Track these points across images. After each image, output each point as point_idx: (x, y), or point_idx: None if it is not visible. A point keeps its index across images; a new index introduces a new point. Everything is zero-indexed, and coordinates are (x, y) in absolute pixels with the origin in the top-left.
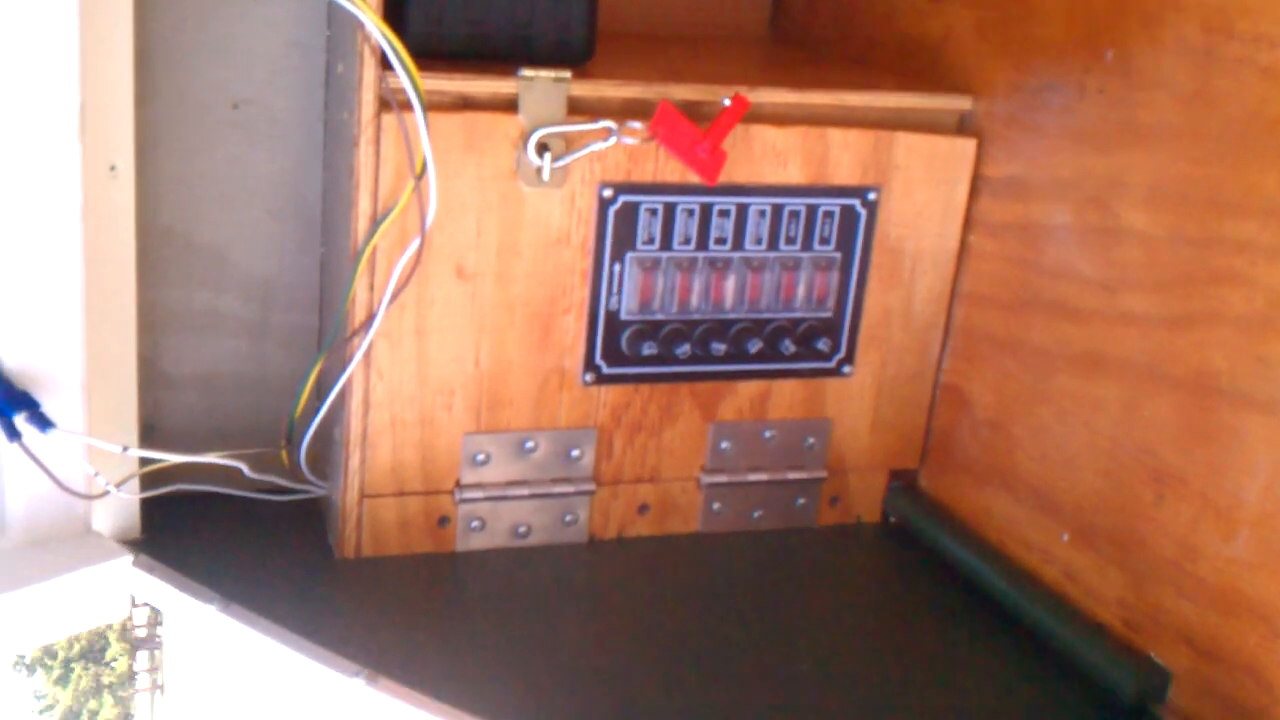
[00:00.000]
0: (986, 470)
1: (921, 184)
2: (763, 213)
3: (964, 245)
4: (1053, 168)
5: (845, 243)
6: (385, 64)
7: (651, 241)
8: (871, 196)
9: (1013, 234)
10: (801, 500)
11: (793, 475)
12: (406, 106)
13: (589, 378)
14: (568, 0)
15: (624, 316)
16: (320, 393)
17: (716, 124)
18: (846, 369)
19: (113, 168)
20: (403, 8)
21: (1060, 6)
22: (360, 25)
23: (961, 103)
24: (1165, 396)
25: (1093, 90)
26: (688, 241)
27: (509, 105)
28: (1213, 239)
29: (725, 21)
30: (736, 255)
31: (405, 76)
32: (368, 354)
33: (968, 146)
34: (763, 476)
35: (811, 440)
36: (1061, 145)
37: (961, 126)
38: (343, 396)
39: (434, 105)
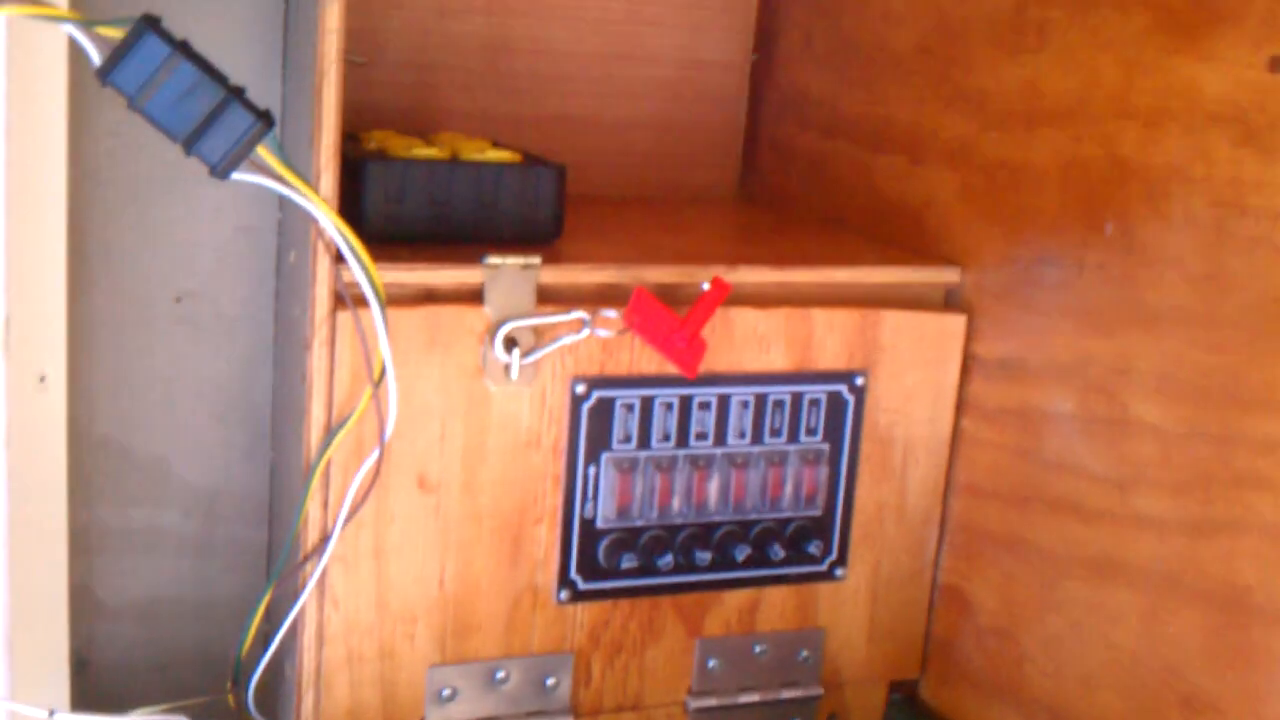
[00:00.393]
0: (993, 683)
1: (911, 365)
2: (745, 403)
3: (957, 432)
4: (1052, 349)
5: (833, 432)
6: (341, 256)
7: (628, 440)
8: (859, 381)
9: (1011, 421)
10: None
11: (787, 694)
12: (363, 302)
13: (564, 595)
14: (536, 176)
15: (600, 524)
16: (271, 621)
17: (695, 311)
18: (839, 572)
19: (42, 378)
20: (360, 186)
21: (1053, 172)
22: (309, 216)
23: (949, 275)
24: (1190, 610)
25: (1092, 266)
26: (667, 438)
27: (474, 296)
28: (1234, 437)
29: (693, 182)
30: (719, 451)
31: (361, 273)
32: (322, 580)
33: (957, 323)
34: (754, 697)
35: (805, 653)
36: (1060, 325)
37: (949, 301)
38: (294, 629)
39: (394, 300)
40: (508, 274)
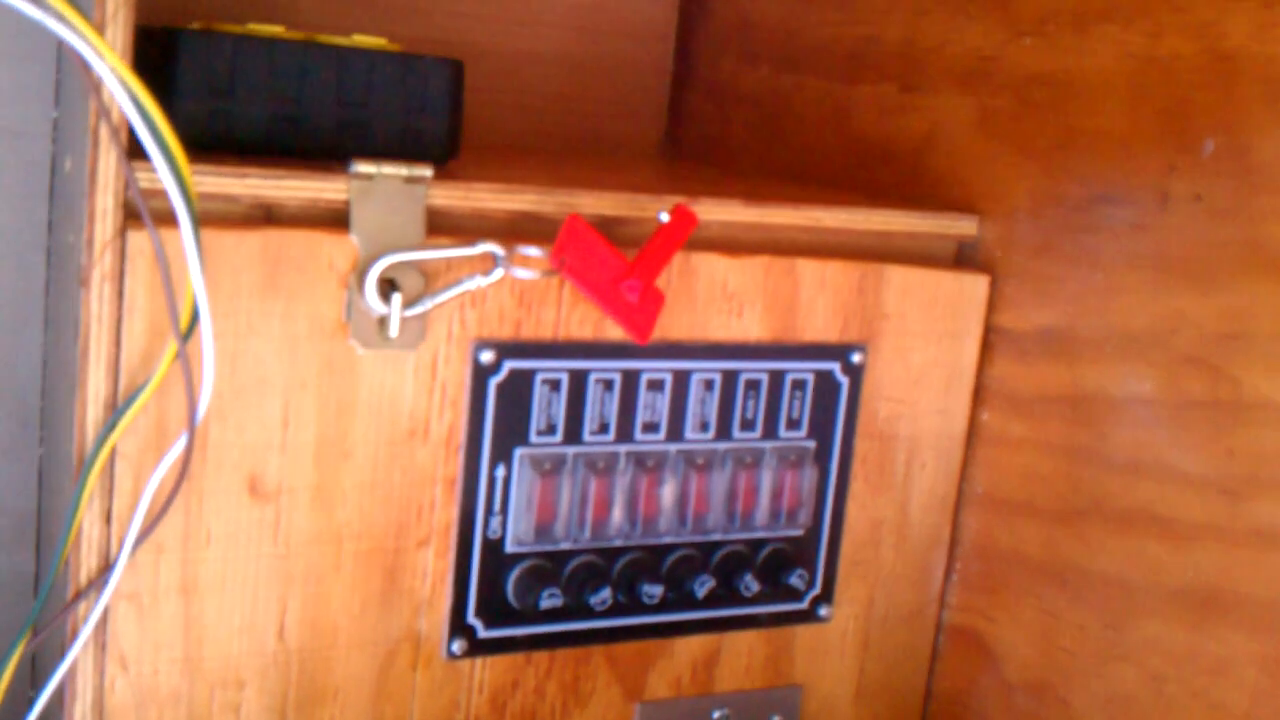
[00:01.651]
0: None
1: (919, 339)
2: (710, 383)
3: (974, 427)
4: (1117, 314)
5: (822, 425)
6: (135, 151)
7: (552, 430)
8: (856, 358)
9: (1055, 411)
10: None
11: None
12: (168, 219)
13: (458, 647)
14: (424, 70)
15: (511, 547)
16: (31, 685)
17: (650, 250)
18: (823, 610)
19: None
20: (171, 70)
21: (1118, 82)
22: (93, 80)
23: (964, 225)
24: None
25: (1182, 198)
26: (604, 429)
27: (335, 220)
28: None
29: (609, 132)
30: (674, 448)
31: (165, 165)
32: (102, 627)
33: (977, 286)
34: None
35: (776, 719)
36: (1131, 281)
37: (960, 259)
38: (61, 697)
39: (216, 219)
40: (385, 188)
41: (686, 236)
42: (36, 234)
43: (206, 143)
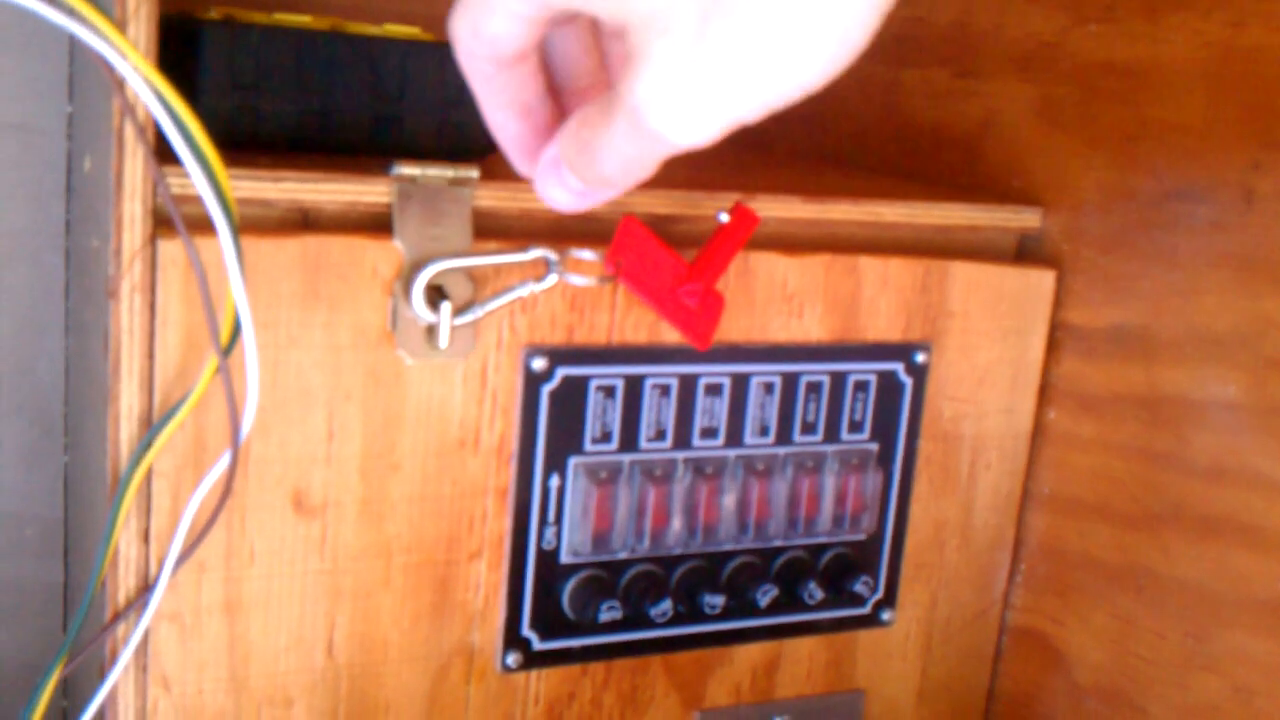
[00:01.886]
0: None
1: (984, 337)
2: (769, 387)
3: (1040, 427)
4: (1198, 314)
5: (885, 427)
6: (163, 154)
7: (607, 438)
8: (920, 358)
9: (1130, 412)
10: None
11: None
12: (202, 226)
13: (513, 660)
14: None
15: (566, 558)
16: (66, 713)
17: (710, 251)
18: (886, 615)
19: None
20: (195, 65)
21: (1194, 73)
22: (116, 80)
23: (1027, 218)
24: None
25: (1269, 196)
26: (661, 436)
27: (376, 223)
28: None
29: None
30: (733, 454)
31: (200, 169)
32: (144, 649)
33: (1042, 281)
34: None
35: None
36: (1212, 280)
37: (1021, 253)
38: None
39: (249, 224)
40: (429, 190)
41: (748, 237)
42: (54, 234)
43: (232, 140)
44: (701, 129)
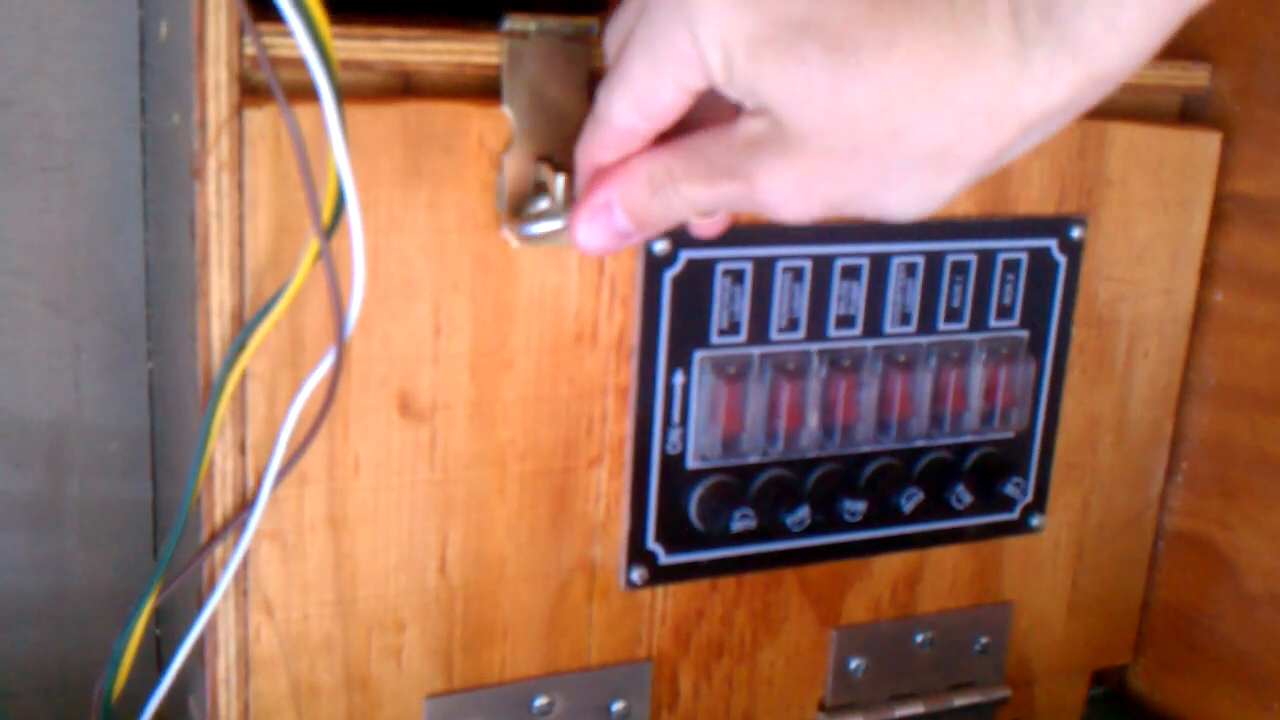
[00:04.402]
0: (1271, 677)
1: (1144, 209)
2: (911, 268)
3: (1202, 310)
4: None
5: (1036, 313)
6: (257, 10)
7: (735, 329)
8: (1075, 234)
9: None
10: None
11: (959, 701)
12: (300, 93)
13: (637, 576)
14: None
15: (692, 464)
16: (164, 631)
17: None
18: (1035, 520)
19: None
20: None
21: None
22: None
23: (1194, 75)
24: None
25: None
26: (794, 325)
27: (483, 89)
28: None
29: None
30: (872, 344)
31: (301, 24)
32: (243, 571)
33: (1209, 145)
34: (915, 709)
35: (985, 640)
36: None
37: (1185, 115)
38: (202, 649)
39: (348, 91)
40: (543, 48)
41: None
42: (128, 115)
43: None
44: (804, 219)
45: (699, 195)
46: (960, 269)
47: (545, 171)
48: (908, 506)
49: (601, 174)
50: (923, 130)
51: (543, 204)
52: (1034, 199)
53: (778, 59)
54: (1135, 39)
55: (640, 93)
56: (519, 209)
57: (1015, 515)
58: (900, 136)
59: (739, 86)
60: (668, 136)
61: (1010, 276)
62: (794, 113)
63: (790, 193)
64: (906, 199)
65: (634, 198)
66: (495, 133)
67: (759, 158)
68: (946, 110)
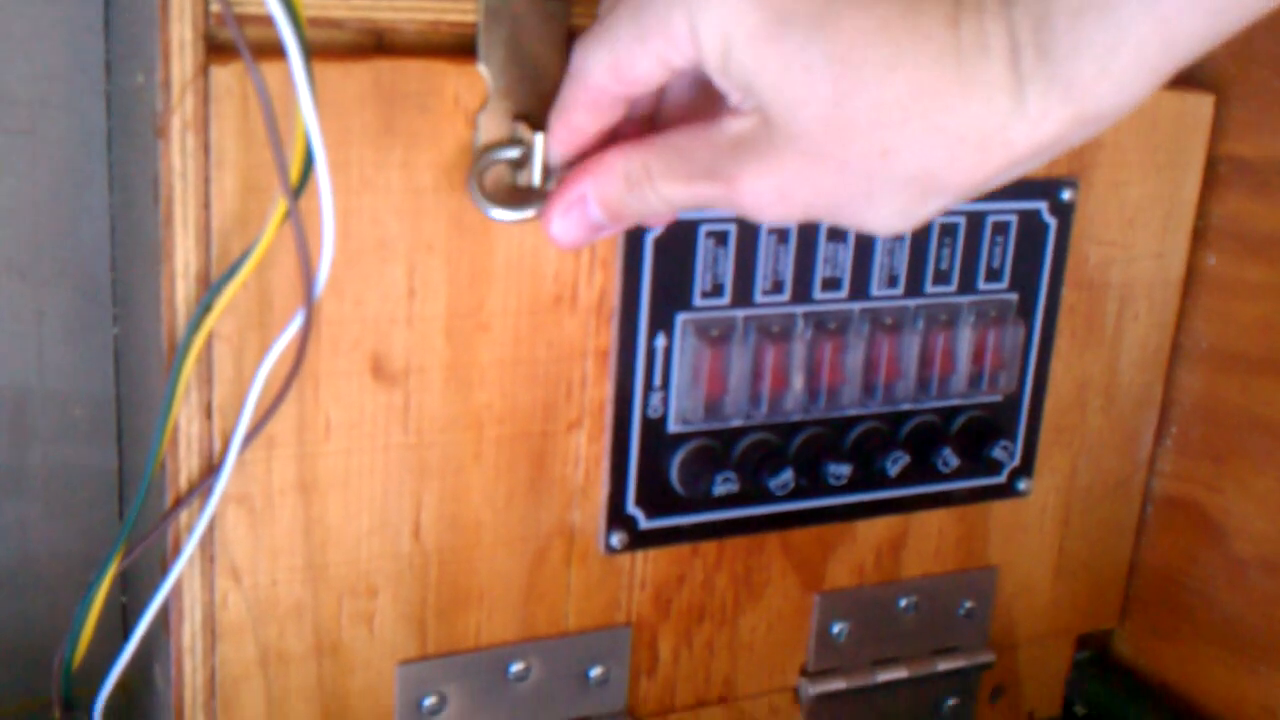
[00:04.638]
0: (1263, 638)
1: (1136, 171)
2: None
3: (1194, 273)
4: None
5: (1025, 275)
6: None
7: (718, 291)
8: (1066, 195)
9: None
10: (952, 701)
11: (943, 665)
12: (267, 51)
13: (616, 540)
14: None
15: (674, 428)
16: (129, 598)
17: None
18: (1022, 484)
19: None
20: None
21: None
22: None
23: None
24: None
25: None
26: (778, 288)
27: (458, 46)
28: None
29: None
30: (858, 307)
31: None
32: (210, 536)
33: (1201, 107)
34: (898, 673)
35: (969, 604)
36: None
37: (1178, 76)
38: (166, 616)
39: (315, 47)
40: (522, 3)
41: None
42: (92, 76)
43: None
44: (782, 224)
45: (676, 194)
46: (949, 231)
47: (523, 130)
48: (893, 470)
49: (578, 169)
50: (912, 152)
51: (511, 153)
52: None
53: (781, 58)
54: (1127, 85)
55: (619, 56)
56: (496, 174)
57: (1002, 479)
58: (890, 156)
59: (733, 77)
60: (646, 131)
61: (999, 239)
62: (789, 114)
63: (772, 197)
64: (886, 216)
65: (610, 193)
66: (471, 91)
67: (742, 160)
68: (938, 136)
